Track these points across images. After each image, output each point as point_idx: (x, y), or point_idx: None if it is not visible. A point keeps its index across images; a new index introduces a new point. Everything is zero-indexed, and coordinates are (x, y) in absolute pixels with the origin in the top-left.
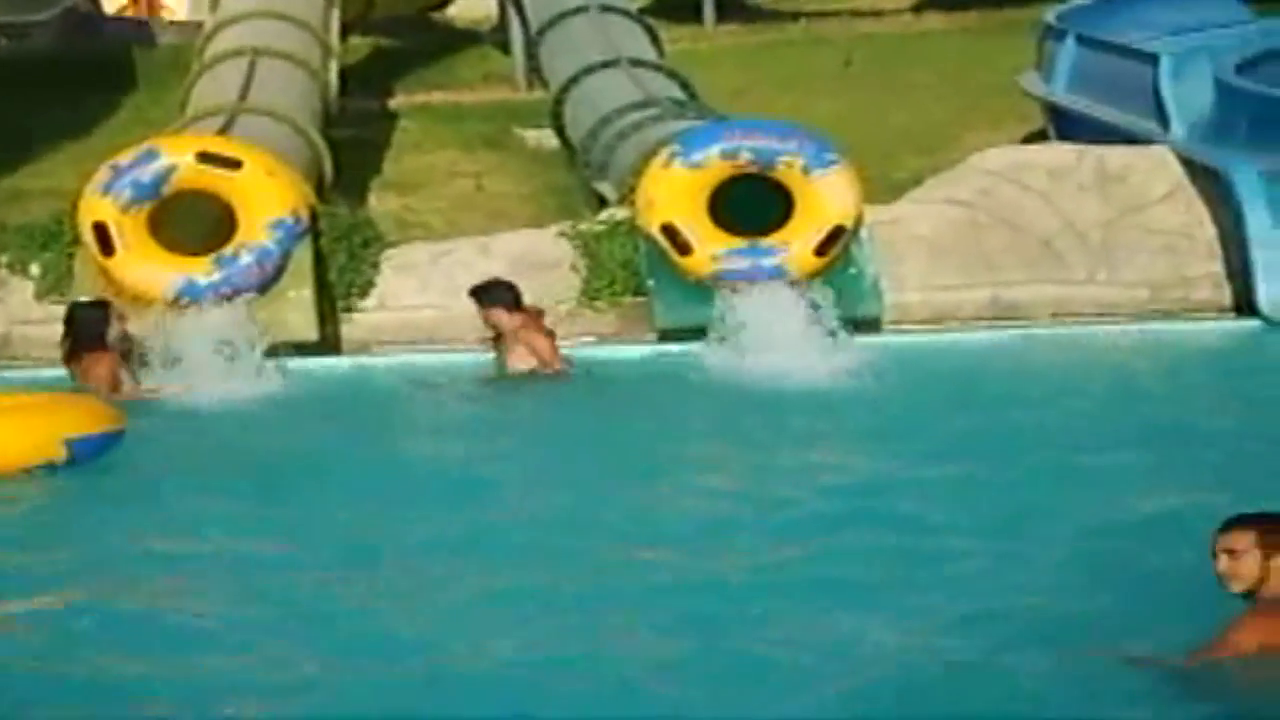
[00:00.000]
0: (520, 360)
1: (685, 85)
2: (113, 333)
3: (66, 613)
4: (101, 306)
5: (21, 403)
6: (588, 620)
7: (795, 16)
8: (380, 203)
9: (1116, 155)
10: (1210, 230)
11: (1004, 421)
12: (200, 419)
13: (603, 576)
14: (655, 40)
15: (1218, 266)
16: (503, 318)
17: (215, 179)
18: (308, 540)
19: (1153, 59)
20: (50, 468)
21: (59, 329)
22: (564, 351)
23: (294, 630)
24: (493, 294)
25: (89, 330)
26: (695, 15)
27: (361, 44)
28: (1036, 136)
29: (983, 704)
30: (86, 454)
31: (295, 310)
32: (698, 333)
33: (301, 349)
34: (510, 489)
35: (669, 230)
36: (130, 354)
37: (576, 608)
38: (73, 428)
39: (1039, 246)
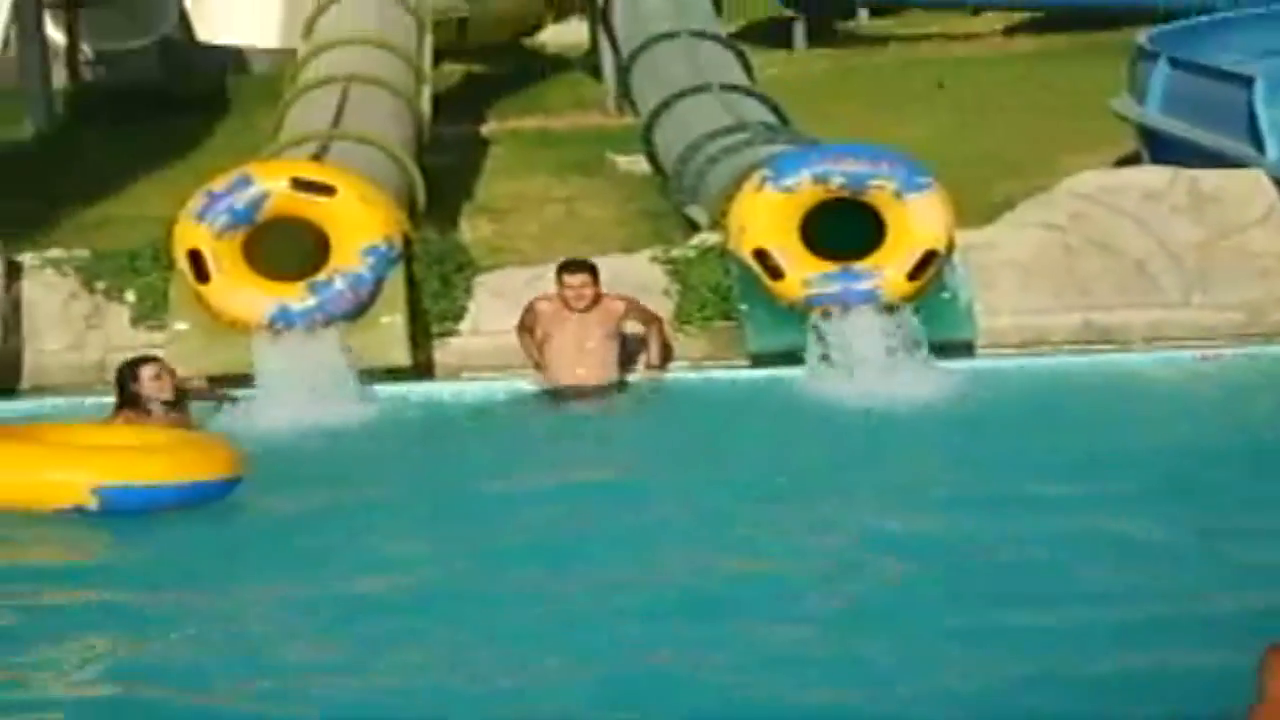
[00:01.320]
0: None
1: (776, 109)
2: (146, 390)
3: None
4: (142, 364)
5: (70, 437)
6: (681, 642)
7: (886, 40)
8: (473, 228)
9: (1210, 178)
10: None
11: (1100, 444)
12: (297, 445)
13: (699, 596)
14: (746, 65)
15: None
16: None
17: (309, 205)
18: (409, 570)
19: (1247, 81)
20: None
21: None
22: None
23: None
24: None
25: (119, 387)
26: (786, 40)
27: (454, 70)
28: (1129, 160)
29: None
30: (124, 506)
31: (388, 336)
32: (789, 357)
33: (394, 374)
34: (609, 507)
35: (761, 255)
36: (181, 403)
37: (675, 630)
38: (108, 474)
39: (1133, 270)
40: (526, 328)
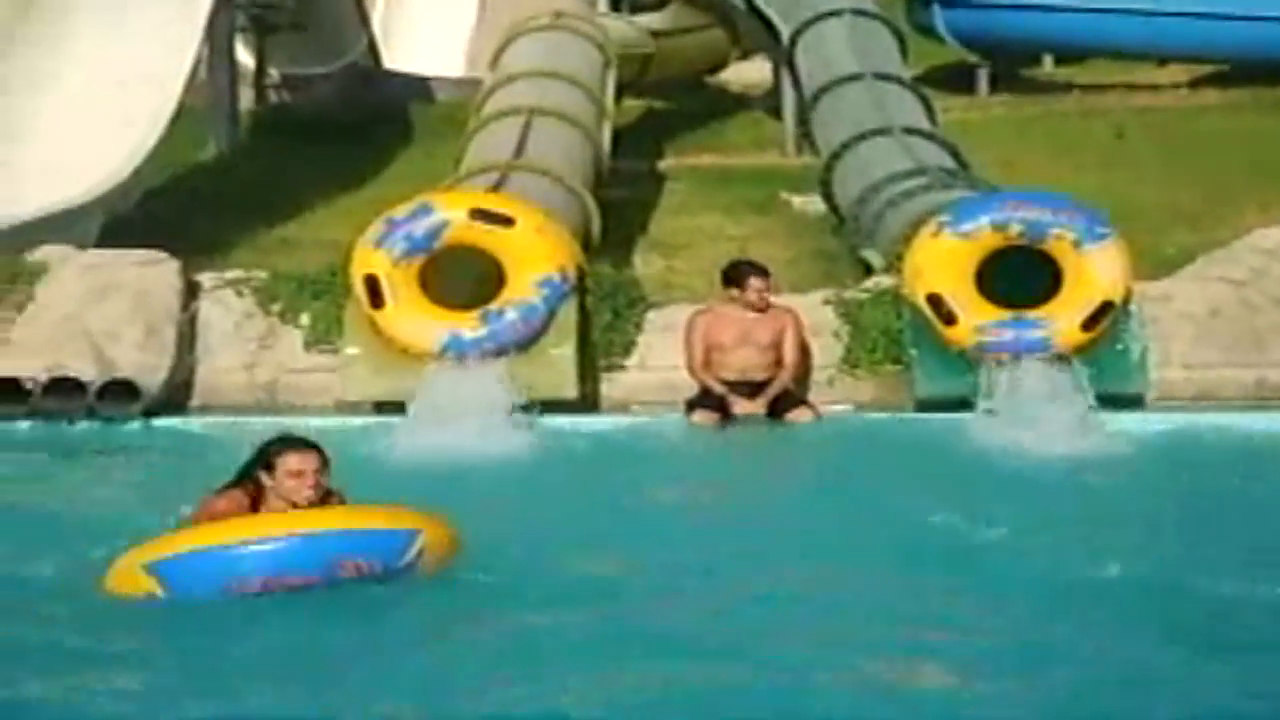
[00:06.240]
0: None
1: (956, 154)
2: (281, 488)
3: None
4: (287, 452)
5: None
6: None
7: (1069, 88)
8: (645, 263)
9: None
10: None
11: (1262, 505)
12: (457, 473)
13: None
14: (929, 109)
15: None
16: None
17: (487, 235)
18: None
19: None
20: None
21: (326, 378)
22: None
23: None
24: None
25: (254, 464)
26: (969, 85)
27: (635, 105)
28: None
29: None
30: (185, 578)
31: (556, 368)
32: (957, 404)
33: (558, 406)
34: (761, 546)
35: (934, 300)
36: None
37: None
38: (156, 549)
39: None
40: (693, 343)
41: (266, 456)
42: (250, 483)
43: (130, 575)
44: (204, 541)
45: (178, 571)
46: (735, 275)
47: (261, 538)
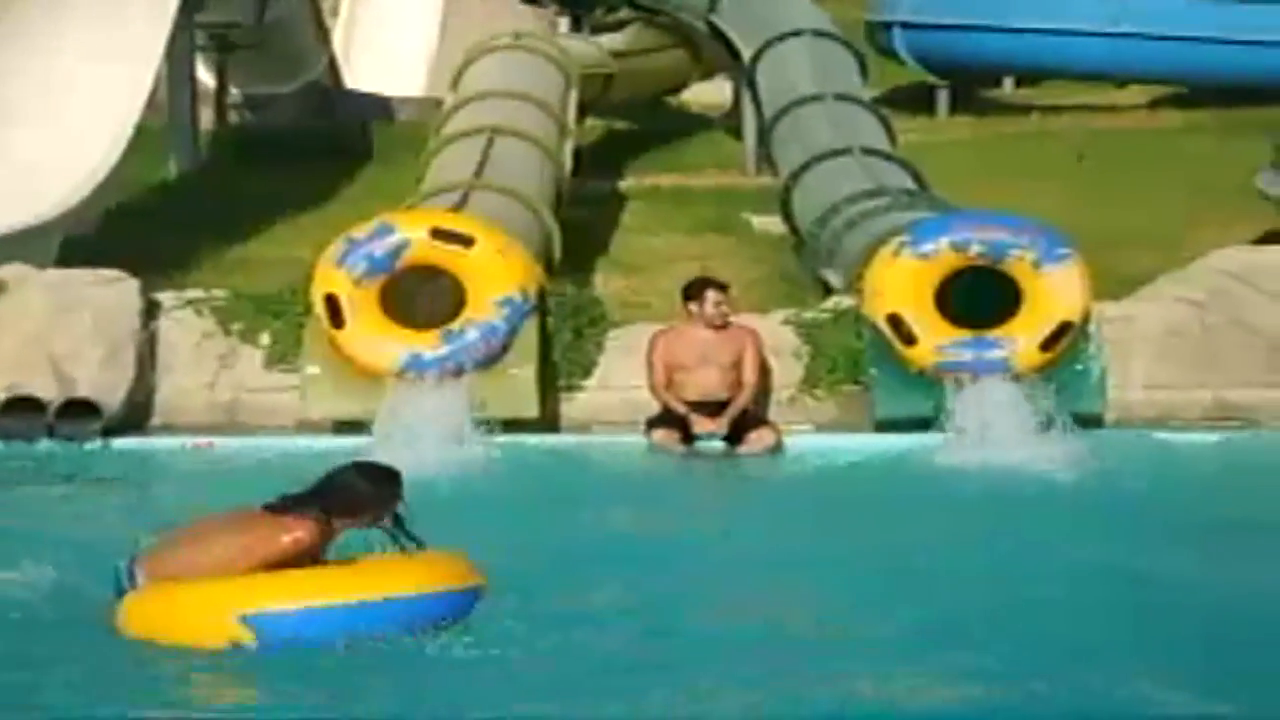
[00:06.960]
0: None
1: (916, 175)
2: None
3: None
4: (384, 482)
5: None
6: None
7: (1028, 110)
8: (605, 283)
9: None
10: None
11: (1222, 522)
12: (426, 496)
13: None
14: (888, 130)
15: None
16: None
17: (447, 255)
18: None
19: None
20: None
21: (286, 397)
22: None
23: None
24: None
25: (345, 497)
26: (929, 106)
27: (596, 125)
28: (1270, 237)
29: None
30: (282, 635)
31: (517, 387)
32: (916, 424)
33: (519, 426)
34: (723, 572)
35: (894, 320)
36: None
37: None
38: (256, 599)
39: (1269, 349)
40: (654, 363)
41: (391, 496)
42: (335, 506)
43: (218, 622)
44: (315, 598)
45: (280, 627)
46: (693, 290)
47: (380, 599)
